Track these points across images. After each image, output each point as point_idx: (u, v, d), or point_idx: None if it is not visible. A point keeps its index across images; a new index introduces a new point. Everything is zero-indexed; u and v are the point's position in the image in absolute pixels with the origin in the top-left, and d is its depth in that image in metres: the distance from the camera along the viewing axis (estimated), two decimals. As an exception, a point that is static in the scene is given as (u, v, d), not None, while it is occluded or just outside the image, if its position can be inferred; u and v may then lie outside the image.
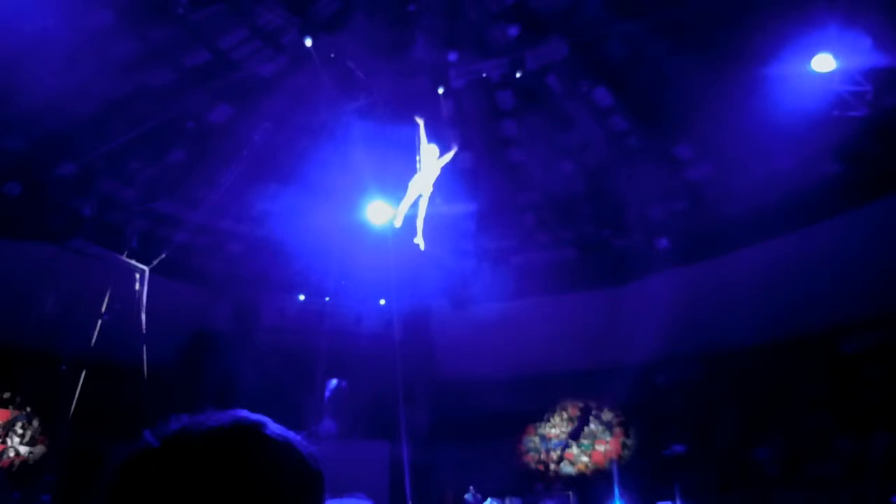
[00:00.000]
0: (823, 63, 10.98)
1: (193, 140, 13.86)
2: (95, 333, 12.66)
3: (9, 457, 13.21)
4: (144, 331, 13.23)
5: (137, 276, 13.64)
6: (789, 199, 13.88)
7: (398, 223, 11.96)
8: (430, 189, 11.59)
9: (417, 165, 11.69)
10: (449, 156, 11.65)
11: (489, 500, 15.89)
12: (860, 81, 11.23)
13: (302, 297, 18.02)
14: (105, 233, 13.98)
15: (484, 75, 13.15)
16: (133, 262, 13.86)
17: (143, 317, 13.35)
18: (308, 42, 11.90)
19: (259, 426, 1.02)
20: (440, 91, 12.95)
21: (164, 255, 14.09)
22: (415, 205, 11.80)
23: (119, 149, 13.04)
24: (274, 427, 1.04)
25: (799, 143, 12.72)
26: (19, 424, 13.67)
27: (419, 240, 11.81)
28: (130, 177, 14.15)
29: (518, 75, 12.75)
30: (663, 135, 14.14)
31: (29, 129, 12.30)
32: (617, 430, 17.37)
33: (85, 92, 11.86)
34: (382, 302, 18.10)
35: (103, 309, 12.80)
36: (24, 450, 13.47)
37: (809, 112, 11.61)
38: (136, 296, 13.51)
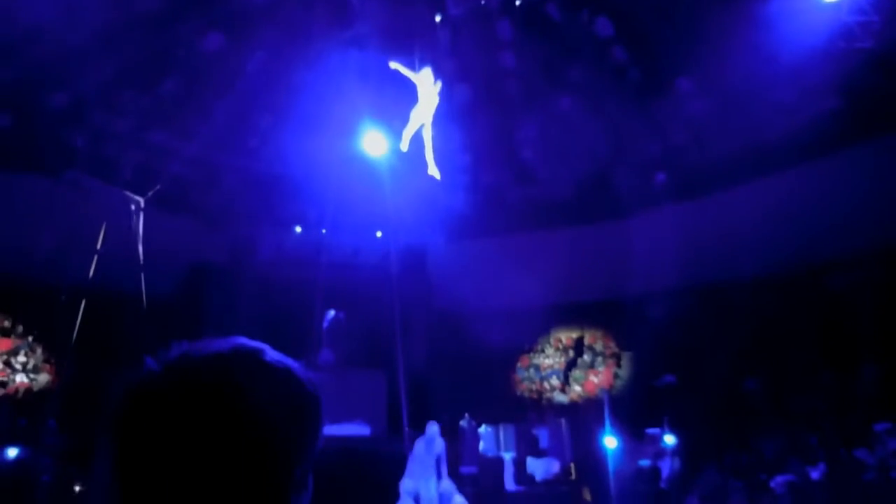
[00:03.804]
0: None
1: (186, 70, 13.57)
2: (93, 266, 12.68)
3: (13, 383, 13.46)
4: (142, 263, 13.24)
5: (133, 207, 13.56)
6: (790, 135, 13.72)
7: (404, 147, 11.94)
8: (430, 118, 11.53)
9: (415, 95, 11.55)
10: (440, 86, 11.54)
11: (483, 427, 16.31)
12: (867, 11, 10.96)
13: (298, 230, 18.02)
14: (99, 165, 13.85)
15: (482, 2, 12.80)
16: (128, 193, 13.75)
17: (140, 248, 13.34)
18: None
19: (258, 352, 1.05)
20: (437, 19, 12.64)
21: (159, 187, 13.98)
22: (417, 136, 11.76)
23: (111, 79, 12.78)
24: (272, 353, 1.07)
25: (801, 77, 12.50)
26: (22, 353, 13.88)
27: (432, 170, 11.85)
28: (123, 107, 13.92)
29: (517, 3, 12.42)
30: (664, 68, 13.88)
31: (17, 58, 12.01)
32: (609, 360, 17.69)
33: (74, 19, 11.53)
34: (379, 234, 18.13)
35: (99, 242, 12.78)
36: (27, 377, 13.71)
37: (813, 44, 11.37)
38: (133, 228, 13.47)
